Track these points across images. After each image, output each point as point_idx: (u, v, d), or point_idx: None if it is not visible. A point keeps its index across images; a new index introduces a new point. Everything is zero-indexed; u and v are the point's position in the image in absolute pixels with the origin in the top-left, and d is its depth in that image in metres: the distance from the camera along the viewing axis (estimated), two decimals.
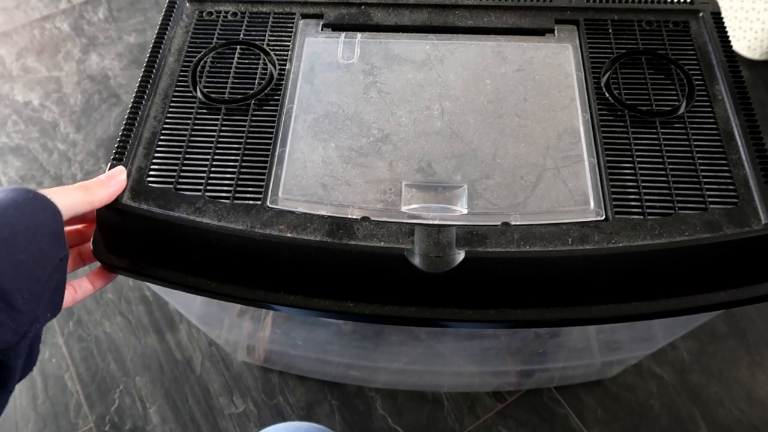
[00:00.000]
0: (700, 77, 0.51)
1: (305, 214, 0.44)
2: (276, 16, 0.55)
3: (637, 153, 0.46)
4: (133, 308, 0.86)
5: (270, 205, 0.45)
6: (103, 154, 1.00)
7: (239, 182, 0.46)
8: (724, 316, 0.83)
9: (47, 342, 0.84)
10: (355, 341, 0.61)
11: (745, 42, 1.07)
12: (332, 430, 0.56)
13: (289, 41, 0.54)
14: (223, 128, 0.48)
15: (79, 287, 0.45)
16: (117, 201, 0.44)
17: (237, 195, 0.45)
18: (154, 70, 0.52)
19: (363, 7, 0.56)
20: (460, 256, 0.42)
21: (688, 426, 0.77)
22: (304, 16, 0.56)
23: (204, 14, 0.55)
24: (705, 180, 0.45)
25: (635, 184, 0.45)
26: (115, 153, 0.47)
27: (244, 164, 0.47)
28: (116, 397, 0.79)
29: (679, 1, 0.55)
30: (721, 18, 0.54)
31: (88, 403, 0.79)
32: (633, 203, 0.44)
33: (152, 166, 0.46)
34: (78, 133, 1.03)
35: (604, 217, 0.44)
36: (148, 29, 1.15)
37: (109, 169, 0.46)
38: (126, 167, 0.46)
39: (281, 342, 0.67)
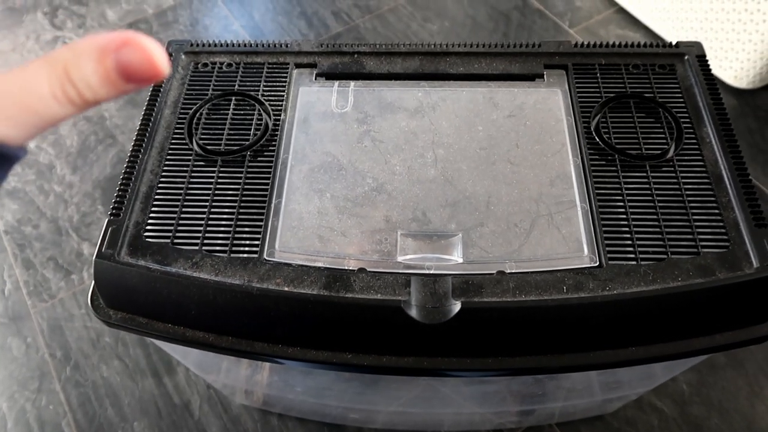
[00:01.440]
0: (687, 120, 0.51)
1: (302, 266, 0.45)
2: (270, 66, 0.56)
3: (628, 197, 0.47)
4: (130, 351, 0.85)
5: (267, 258, 0.45)
6: (99, 195, 1.00)
7: (236, 235, 0.46)
8: None
9: (44, 388, 0.83)
10: (353, 387, 0.61)
11: (731, 71, 1.08)
12: None
13: (284, 91, 0.55)
14: (219, 180, 0.49)
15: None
16: (115, 257, 0.45)
17: (234, 248, 0.45)
18: (150, 124, 0.52)
19: (356, 55, 0.57)
20: (457, 306, 0.42)
21: None
22: (298, 66, 0.57)
23: (199, 65, 0.56)
24: (696, 224, 0.45)
25: (628, 229, 0.46)
26: (113, 209, 0.47)
27: (240, 217, 0.47)
28: None
29: (664, 45, 0.56)
30: (706, 60, 0.55)
31: None
32: (626, 249, 0.45)
33: (149, 221, 0.47)
34: (74, 174, 1.03)
35: (597, 263, 0.44)
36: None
37: (106, 227, 0.46)
38: (123, 223, 0.46)
39: (279, 387, 0.67)
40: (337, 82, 0.56)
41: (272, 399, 0.74)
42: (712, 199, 0.47)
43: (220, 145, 0.51)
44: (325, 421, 0.78)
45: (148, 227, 0.46)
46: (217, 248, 0.45)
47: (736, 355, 0.83)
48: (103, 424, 0.79)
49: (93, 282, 0.47)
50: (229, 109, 0.53)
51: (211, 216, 0.47)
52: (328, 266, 0.45)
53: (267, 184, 0.49)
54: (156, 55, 0.22)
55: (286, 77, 0.56)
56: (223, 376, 0.69)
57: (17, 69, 0.21)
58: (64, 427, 0.80)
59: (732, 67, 1.08)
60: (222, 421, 0.80)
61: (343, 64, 0.56)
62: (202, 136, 0.52)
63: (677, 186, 0.48)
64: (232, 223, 0.47)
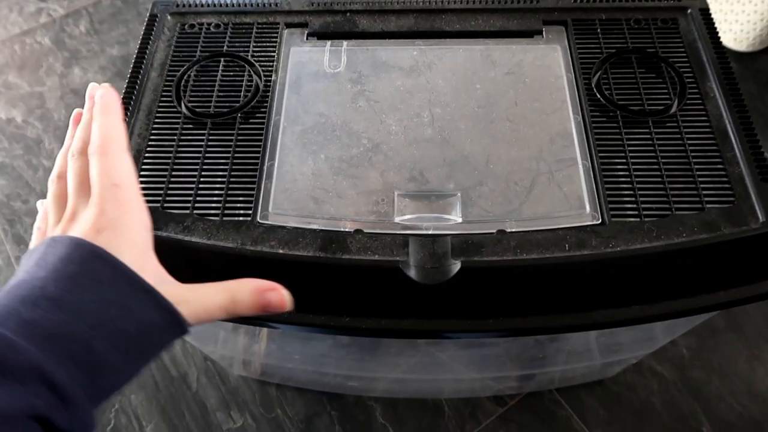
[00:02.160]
0: (690, 75, 0.50)
1: (296, 228, 0.43)
2: (260, 26, 0.54)
3: (630, 154, 0.46)
4: None
5: (260, 221, 0.44)
6: None
7: (228, 198, 0.45)
8: (722, 312, 0.83)
9: None
10: (352, 353, 0.60)
11: (731, 35, 1.07)
12: None
13: (274, 52, 0.53)
14: (209, 143, 0.47)
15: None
16: None
17: (226, 212, 0.44)
18: (136, 87, 0.51)
19: (348, 14, 0.55)
20: (456, 266, 0.41)
21: (690, 423, 0.77)
22: (289, 26, 0.55)
23: (186, 27, 0.54)
24: (701, 179, 0.44)
25: (630, 185, 0.44)
26: None
27: (232, 180, 0.46)
28: (111, 417, 0.78)
29: None
30: (710, 14, 0.53)
31: None
32: (629, 205, 0.44)
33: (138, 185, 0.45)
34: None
35: (600, 221, 0.43)
36: (131, 41, 1.14)
37: None
38: None
39: (277, 356, 0.66)
40: (329, 42, 0.54)
41: (270, 369, 0.74)
42: (717, 154, 0.46)
43: (209, 107, 0.49)
44: (324, 390, 0.78)
45: None
46: (209, 212, 0.44)
47: (736, 318, 0.83)
48: None
49: None
50: (218, 71, 0.52)
51: (201, 179, 0.46)
52: (323, 228, 0.43)
53: (259, 146, 0.47)
54: (288, 300, 0.37)
55: (276, 37, 0.54)
56: (221, 347, 0.68)
57: (203, 286, 0.35)
58: None
59: (732, 30, 1.06)
60: (220, 393, 0.80)
61: (335, 23, 0.54)
62: (191, 99, 0.50)
63: (680, 141, 0.46)
64: (223, 186, 0.45)
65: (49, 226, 0.35)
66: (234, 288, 0.35)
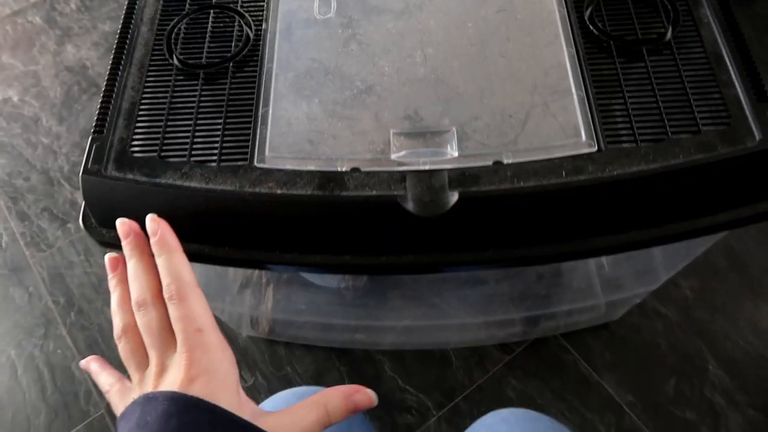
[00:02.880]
0: (683, 2, 0.50)
1: (294, 170, 0.43)
2: None
3: (625, 82, 0.46)
4: None
5: (257, 165, 0.44)
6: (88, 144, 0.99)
7: (224, 145, 0.45)
8: (725, 251, 0.83)
9: (51, 334, 0.83)
10: (357, 301, 0.60)
11: None
12: None
13: (263, 1, 0.52)
14: (203, 93, 0.47)
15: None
16: (102, 172, 0.44)
17: (223, 157, 0.44)
18: (127, 41, 0.51)
19: None
20: (454, 197, 0.41)
21: (695, 361, 0.77)
22: None
23: None
24: (696, 103, 0.44)
25: (626, 113, 0.44)
26: (95, 126, 0.46)
27: (228, 127, 0.46)
28: None
29: None
30: None
31: (97, 390, 0.79)
32: (625, 132, 0.44)
33: (134, 137, 0.46)
34: (60, 125, 1.01)
35: (596, 148, 0.43)
36: (122, 16, 1.13)
37: (90, 143, 0.45)
38: (108, 139, 0.45)
39: (285, 310, 0.67)
40: None
41: (279, 326, 0.75)
42: (712, 78, 0.45)
43: (201, 58, 0.49)
44: (333, 346, 0.79)
45: (134, 142, 0.45)
46: (206, 158, 0.44)
47: (739, 258, 0.83)
48: (113, 363, 0.80)
49: (83, 202, 0.46)
50: (207, 23, 0.51)
51: (197, 128, 0.46)
52: (320, 168, 0.43)
53: (252, 94, 0.47)
54: (374, 396, 0.37)
55: None
56: (228, 304, 0.69)
57: (295, 409, 0.35)
58: (74, 369, 0.81)
59: None
60: None
61: None
62: (182, 51, 0.50)
63: (675, 68, 0.46)
64: (219, 133, 0.45)
65: (134, 383, 0.35)
66: (324, 401, 0.35)
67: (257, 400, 0.51)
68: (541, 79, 0.47)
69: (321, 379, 0.79)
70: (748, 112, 0.43)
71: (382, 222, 0.42)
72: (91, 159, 0.44)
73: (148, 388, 0.33)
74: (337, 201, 0.42)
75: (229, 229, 0.44)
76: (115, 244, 0.46)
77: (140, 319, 0.35)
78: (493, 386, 0.77)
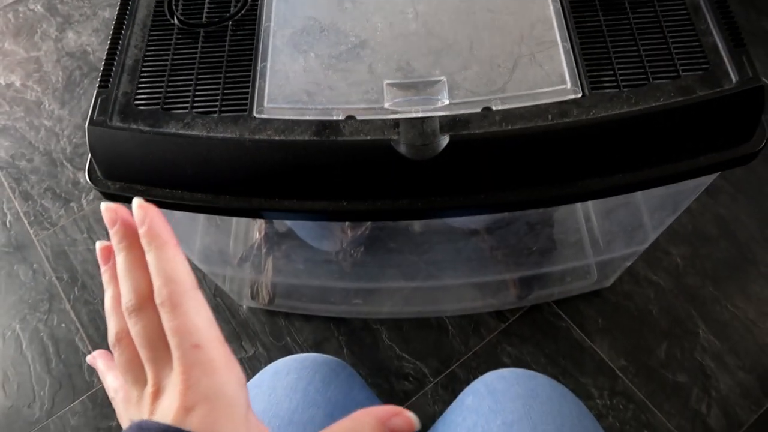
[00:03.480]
0: None
1: (291, 119, 0.45)
2: None
3: (609, 33, 0.48)
4: None
5: (256, 115, 0.46)
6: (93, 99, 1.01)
7: (224, 98, 0.47)
8: (714, 219, 0.85)
9: (55, 309, 0.85)
10: (355, 265, 0.62)
11: None
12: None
13: None
14: (203, 50, 0.49)
15: None
16: (107, 122, 0.45)
17: (223, 109, 0.46)
18: (130, 3, 0.52)
19: None
20: (445, 140, 0.43)
21: (687, 325, 0.79)
22: None
23: None
24: (676, 50, 0.46)
25: (609, 61, 0.46)
26: (100, 81, 0.48)
27: (227, 81, 0.47)
28: None
29: None
30: None
31: None
32: (608, 79, 0.45)
33: (138, 91, 0.47)
34: (63, 108, 1.03)
35: (581, 94, 0.45)
36: None
37: (95, 97, 0.47)
38: (112, 93, 0.47)
39: (284, 273, 0.69)
40: None
41: (278, 292, 0.76)
42: (691, 27, 0.47)
43: (201, 18, 0.51)
44: (331, 315, 0.81)
45: (138, 96, 0.47)
46: (208, 109, 0.46)
47: (729, 225, 0.85)
48: None
49: (89, 155, 0.48)
50: None
51: (198, 82, 0.47)
52: (317, 117, 0.45)
53: (251, 50, 0.49)
54: (414, 418, 0.30)
55: None
56: (230, 270, 0.70)
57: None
58: (77, 342, 0.82)
59: None
60: (231, 326, 0.82)
61: None
62: (183, 12, 0.52)
63: (656, 18, 0.48)
64: (219, 86, 0.47)
65: (134, 399, 0.30)
66: (354, 427, 0.30)
67: (257, 370, 0.52)
68: (528, 31, 0.49)
69: (320, 347, 0.80)
70: (725, 58, 0.45)
71: (376, 166, 0.44)
72: (96, 111, 0.46)
73: (144, 412, 0.29)
74: (333, 146, 0.44)
75: (229, 177, 0.46)
76: (120, 196, 0.48)
77: (132, 328, 0.30)
78: (489, 352, 0.79)
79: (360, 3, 0.51)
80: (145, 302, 0.30)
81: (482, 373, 0.52)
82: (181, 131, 0.45)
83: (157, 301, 0.29)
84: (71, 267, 0.88)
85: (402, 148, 0.43)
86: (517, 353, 0.79)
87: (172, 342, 0.28)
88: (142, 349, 0.29)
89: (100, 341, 0.82)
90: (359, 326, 0.81)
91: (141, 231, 0.30)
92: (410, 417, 0.30)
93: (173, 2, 0.52)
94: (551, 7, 0.50)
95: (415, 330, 0.80)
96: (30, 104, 1.04)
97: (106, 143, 0.46)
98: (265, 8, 0.52)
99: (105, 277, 0.33)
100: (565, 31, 0.48)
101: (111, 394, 0.32)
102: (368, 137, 0.44)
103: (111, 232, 0.31)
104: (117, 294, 0.31)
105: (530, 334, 0.80)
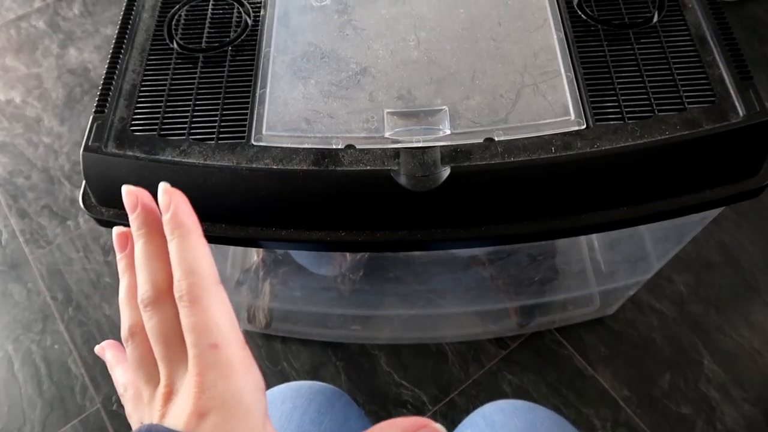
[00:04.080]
0: None
1: (290, 147, 0.44)
2: None
3: (613, 64, 0.47)
4: None
5: (254, 143, 0.45)
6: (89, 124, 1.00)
7: (222, 124, 0.46)
8: (718, 247, 0.84)
9: (48, 329, 0.84)
10: (354, 291, 0.61)
11: None
12: (338, 388, 0.55)
13: None
14: (202, 76, 0.49)
15: None
16: (102, 149, 0.45)
17: (221, 136, 0.45)
18: (129, 27, 0.52)
19: None
20: (446, 172, 0.42)
21: (690, 355, 0.78)
22: None
23: None
24: (682, 82, 0.45)
25: (613, 92, 0.45)
26: (97, 106, 0.47)
27: (225, 107, 0.47)
28: None
29: None
30: None
31: (93, 385, 0.79)
32: (612, 110, 0.45)
33: (135, 116, 0.47)
34: (62, 125, 1.02)
35: (585, 126, 0.44)
36: (124, 2, 1.15)
37: (91, 122, 0.46)
38: (108, 118, 0.46)
39: (282, 300, 0.68)
40: None
41: (275, 320, 0.75)
42: (696, 58, 0.47)
43: (200, 43, 0.51)
44: (328, 340, 0.79)
45: (134, 122, 0.46)
46: (205, 136, 0.45)
47: (732, 252, 0.84)
48: None
49: (83, 181, 0.47)
50: (207, 10, 0.53)
51: (196, 108, 0.47)
52: (316, 146, 0.44)
53: (250, 75, 0.49)
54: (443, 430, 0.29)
55: None
56: (227, 292, 0.69)
57: None
58: (70, 364, 0.81)
59: None
60: None
61: None
62: (182, 37, 0.51)
63: (661, 49, 0.47)
64: (217, 113, 0.46)
65: (145, 398, 0.29)
66: None
67: None
68: (531, 61, 0.48)
69: (317, 373, 0.79)
70: (731, 90, 0.45)
71: (376, 197, 0.43)
72: (92, 137, 0.45)
73: (155, 414, 0.27)
74: (332, 176, 0.43)
75: (225, 206, 0.45)
76: (114, 223, 0.47)
77: (147, 322, 0.28)
78: (489, 380, 0.78)
79: (361, 30, 0.51)
80: (163, 295, 0.28)
81: (482, 401, 0.51)
82: (177, 159, 0.44)
83: (176, 294, 0.27)
84: (66, 286, 0.87)
85: (402, 179, 0.42)
86: (517, 381, 0.77)
87: (189, 339, 0.26)
88: (157, 346, 0.28)
89: (93, 363, 0.81)
90: (357, 351, 0.80)
91: (165, 218, 0.29)
92: (437, 428, 0.29)
93: (173, 26, 0.52)
94: (555, 37, 0.49)
95: (414, 356, 0.79)
96: (29, 121, 1.04)
97: (101, 170, 0.45)
98: (265, 34, 0.51)
99: (121, 265, 0.31)
100: (569, 60, 0.48)
101: (120, 390, 0.31)
102: (368, 167, 0.43)
103: (131, 217, 0.30)
104: (133, 284, 0.30)
105: (531, 361, 0.78)
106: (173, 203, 0.29)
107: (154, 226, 0.30)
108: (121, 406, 0.76)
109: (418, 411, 0.77)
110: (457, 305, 0.65)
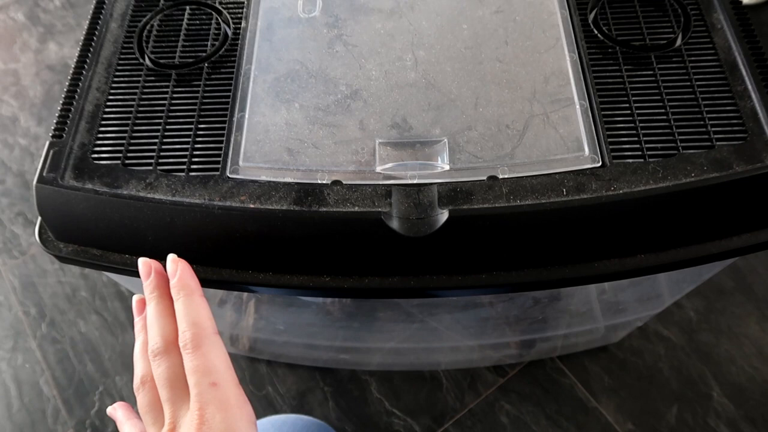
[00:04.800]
0: (695, 6, 0.46)
1: (269, 182, 0.40)
2: None
3: (632, 92, 0.42)
4: (108, 305, 0.81)
5: (230, 175, 0.40)
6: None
7: (194, 153, 0.41)
8: (730, 272, 0.80)
9: (20, 347, 0.79)
10: (341, 322, 0.56)
11: None
12: (323, 421, 0.52)
13: None
14: (174, 96, 0.44)
15: None
16: (58, 180, 0.40)
17: (192, 167, 0.40)
18: (95, 38, 0.47)
19: None
20: (444, 216, 0.37)
21: (699, 387, 0.74)
22: None
23: None
24: (709, 116, 0.41)
25: (633, 125, 0.41)
26: (54, 130, 0.42)
27: (199, 133, 0.42)
28: (96, 400, 0.75)
29: None
30: None
31: (66, 408, 0.75)
32: (632, 146, 0.40)
33: (97, 142, 0.42)
34: (40, 126, 0.97)
35: (600, 164, 0.39)
36: (90, 11, 1.10)
37: (47, 149, 0.41)
38: (67, 144, 0.41)
39: (266, 328, 0.63)
40: None
41: (259, 344, 0.71)
42: (726, 88, 0.42)
43: (174, 58, 0.45)
44: (317, 366, 0.75)
45: (96, 149, 0.41)
46: (174, 167, 0.40)
47: (745, 278, 0.79)
48: (83, 380, 0.76)
49: (39, 216, 0.42)
50: (183, 20, 0.48)
51: (166, 134, 0.42)
52: (298, 180, 0.40)
53: (228, 97, 0.44)
54: None
55: None
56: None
57: None
58: (42, 385, 0.76)
59: None
60: None
61: None
62: (154, 50, 0.46)
63: (686, 77, 0.43)
64: (189, 140, 0.42)
65: None
66: None
67: None
68: (541, 87, 0.43)
69: (304, 399, 0.74)
70: (765, 126, 0.40)
71: (364, 242, 0.39)
72: (47, 166, 0.40)
73: None
74: (315, 218, 0.38)
75: (196, 246, 0.40)
76: (73, 260, 0.42)
77: (155, 370, 0.33)
78: (486, 410, 0.73)
79: (353, 46, 0.46)
80: (170, 346, 0.33)
81: None
82: (142, 193, 0.39)
83: (181, 343, 0.33)
84: (39, 301, 0.82)
85: (394, 223, 0.38)
86: (515, 412, 0.73)
87: (191, 380, 0.31)
88: (163, 390, 0.32)
89: (66, 384, 0.76)
90: (347, 377, 0.75)
91: (172, 282, 0.35)
92: None
93: (144, 39, 0.46)
94: (568, 59, 0.44)
95: (406, 383, 0.75)
96: (5, 120, 0.98)
97: (58, 204, 0.40)
98: (246, 48, 0.46)
99: (137, 327, 0.37)
100: (583, 86, 0.43)
101: None
102: (356, 208, 0.38)
103: (145, 283, 0.36)
104: (147, 341, 0.35)
105: (531, 391, 0.74)
106: (179, 269, 0.35)
107: (163, 290, 0.36)
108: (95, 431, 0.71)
109: None
110: (453, 339, 0.60)
